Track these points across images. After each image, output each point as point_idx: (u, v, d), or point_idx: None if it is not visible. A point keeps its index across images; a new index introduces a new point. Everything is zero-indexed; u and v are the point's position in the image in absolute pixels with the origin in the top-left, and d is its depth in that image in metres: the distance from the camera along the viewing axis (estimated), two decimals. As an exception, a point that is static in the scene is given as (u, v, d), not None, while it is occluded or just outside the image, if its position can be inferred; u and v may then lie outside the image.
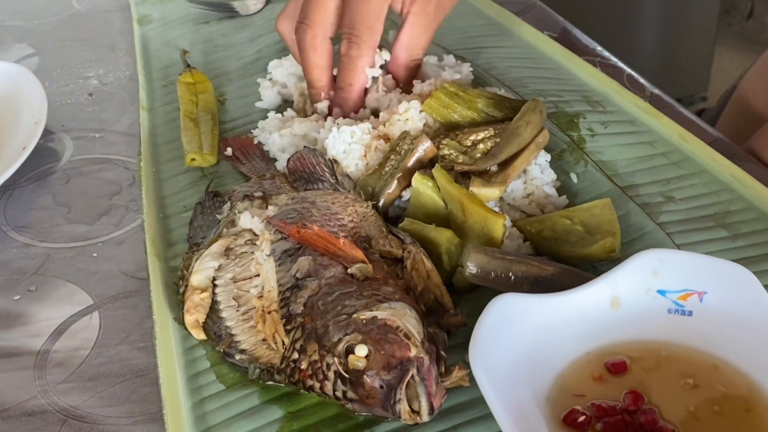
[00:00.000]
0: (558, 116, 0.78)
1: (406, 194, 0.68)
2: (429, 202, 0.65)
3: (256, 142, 0.80)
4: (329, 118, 0.77)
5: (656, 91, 0.87)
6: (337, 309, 0.55)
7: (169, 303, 0.62)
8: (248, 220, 0.65)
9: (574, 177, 0.72)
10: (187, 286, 0.62)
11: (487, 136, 0.70)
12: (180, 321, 0.60)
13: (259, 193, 0.69)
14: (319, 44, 0.77)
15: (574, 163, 0.73)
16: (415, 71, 0.81)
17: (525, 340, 0.52)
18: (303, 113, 0.82)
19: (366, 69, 0.77)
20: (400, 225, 0.64)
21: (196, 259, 0.63)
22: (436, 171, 0.65)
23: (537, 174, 0.69)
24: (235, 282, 0.62)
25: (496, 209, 0.66)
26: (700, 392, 0.51)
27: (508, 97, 0.77)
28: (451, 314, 0.58)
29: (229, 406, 0.55)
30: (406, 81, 0.80)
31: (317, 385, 0.53)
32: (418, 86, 0.78)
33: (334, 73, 0.80)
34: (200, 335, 0.59)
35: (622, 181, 0.70)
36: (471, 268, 0.58)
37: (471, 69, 0.84)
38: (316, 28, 0.76)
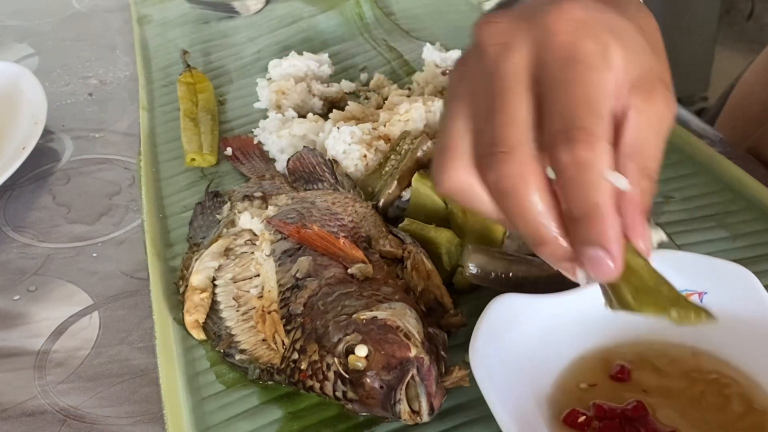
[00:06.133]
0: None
1: (406, 194, 0.67)
2: (429, 202, 0.65)
3: (256, 142, 0.80)
4: (329, 120, 0.77)
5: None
6: (337, 309, 0.55)
7: (169, 303, 0.62)
8: (248, 220, 0.65)
9: (574, 177, 0.71)
10: (187, 286, 0.62)
11: (487, 136, 0.70)
12: (180, 321, 0.60)
13: (259, 194, 0.69)
14: (530, 171, 0.42)
15: (574, 163, 0.73)
16: (648, 196, 0.45)
17: (525, 340, 0.52)
18: (277, 109, 0.82)
19: (608, 175, 0.42)
20: (400, 225, 0.64)
21: (196, 259, 0.63)
22: (436, 171, 0.65)
23: (537, 174, 0.69)
24: (235, 282, 0.62)
25: (496, 209, 0.65)
26: (699, 393, 0.51)
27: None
28: (451, 314, 0.58)
29: (229, 406, 0.55)
30: (638, 211, 0.44)
31: (317, 385, 0.53)
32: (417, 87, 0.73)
33: None
34: (200, 335, 0.59)
35: (622, 181, 0.70)
36: (471, 268, 0.58)
37: None
38: (517, 150, 0.42)
